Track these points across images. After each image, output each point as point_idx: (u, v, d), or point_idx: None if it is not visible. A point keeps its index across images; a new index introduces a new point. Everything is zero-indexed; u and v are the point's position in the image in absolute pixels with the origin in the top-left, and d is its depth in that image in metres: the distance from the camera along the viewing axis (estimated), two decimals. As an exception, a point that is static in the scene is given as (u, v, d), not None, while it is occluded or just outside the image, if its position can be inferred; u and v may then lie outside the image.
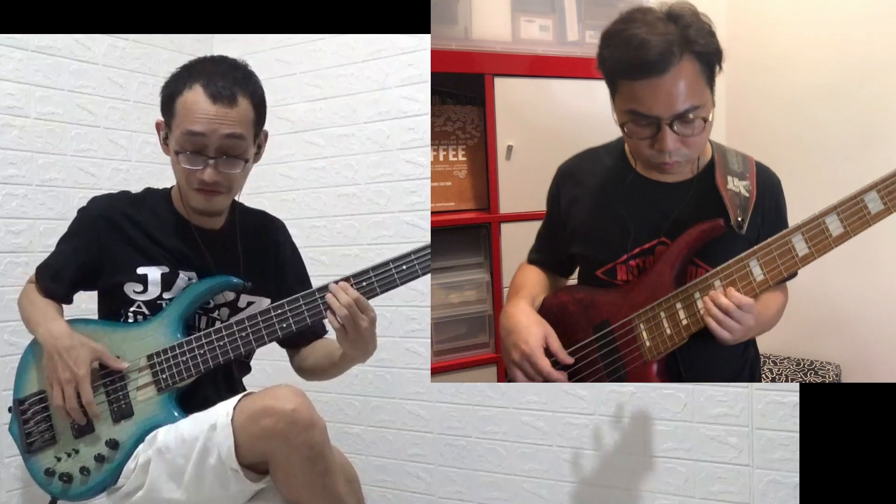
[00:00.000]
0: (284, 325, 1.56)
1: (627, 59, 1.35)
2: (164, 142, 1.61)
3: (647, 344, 1.49)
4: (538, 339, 1.50)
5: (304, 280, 1.79)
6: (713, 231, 1.45)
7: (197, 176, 1.55)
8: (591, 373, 1.55)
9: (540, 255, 1.74)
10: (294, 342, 1.76)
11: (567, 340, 1.54)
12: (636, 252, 1.52)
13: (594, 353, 1.54)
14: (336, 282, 1.53)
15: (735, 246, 1.45)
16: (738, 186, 1.48)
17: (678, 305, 1.46)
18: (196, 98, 1.53)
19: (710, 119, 1.40)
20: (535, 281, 1.70)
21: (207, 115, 1.52)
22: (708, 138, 1.48)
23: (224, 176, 1.56)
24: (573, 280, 1.77)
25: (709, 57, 1.38)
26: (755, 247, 1.41)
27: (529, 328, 1.52)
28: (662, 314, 1.47)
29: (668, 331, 1.47)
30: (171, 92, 1.56)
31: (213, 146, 1.53)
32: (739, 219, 1.44)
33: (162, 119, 1.61)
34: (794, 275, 1.53)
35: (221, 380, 1.65)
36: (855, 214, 1.33)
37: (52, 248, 1.69)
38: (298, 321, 1.56)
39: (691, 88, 1.36)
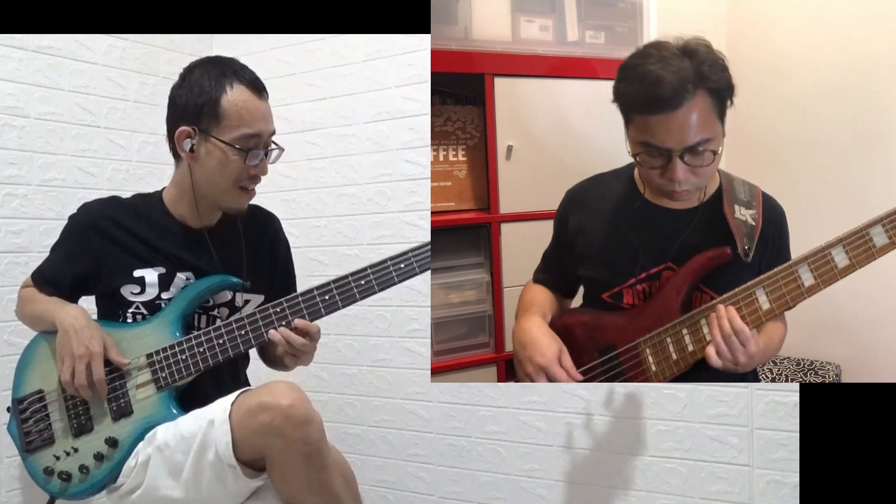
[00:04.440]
0: (284, 324, 1.56)
1: (642, 94, 1.38)
2: (191, 150, 1.58)
3: (654, 369, 1.51)
4: (554, 353, 1.52)
5: (290, 279, 1.81)
6: (720, 258, 1.48)
7: (251, 172, 1.59)
8: None
9: (547, 276, 1.77)
10: None
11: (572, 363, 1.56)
12: (643, 277, 1.55)
13: (600, 375, 1.56)
14: (303, 309, 1.56)
15: (739, 273, 1.48)
16: (744, 215, 1.50)
17: (684, 332, 1.48)
18: (245, 96, 1.56)
19: (719, 152, 1.43)
20: (543, 299, 1.72)
21: (261, 111, 1.58)
22: (716, 169, 1.51)
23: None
24: (576, 301, 1.79)
25: (721, 92, 1.41)
26: (762, 276, 1.43)
27: (545, 342, 1.54)
28: (669, 340, 1.50)
29: (675, 356, 1.49)
30: (211, 97, 1.55)
31: (264, 141, 1.59)
32: (746, 247, 1.47)
33: (188, 128, 1.57)
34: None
35: (223, 377, 1.65)
36: (861, 247, 1.36)
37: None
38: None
39: (703, 122, 1.38)
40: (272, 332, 1.55)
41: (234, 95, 1.55)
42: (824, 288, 1.39)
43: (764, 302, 1.42)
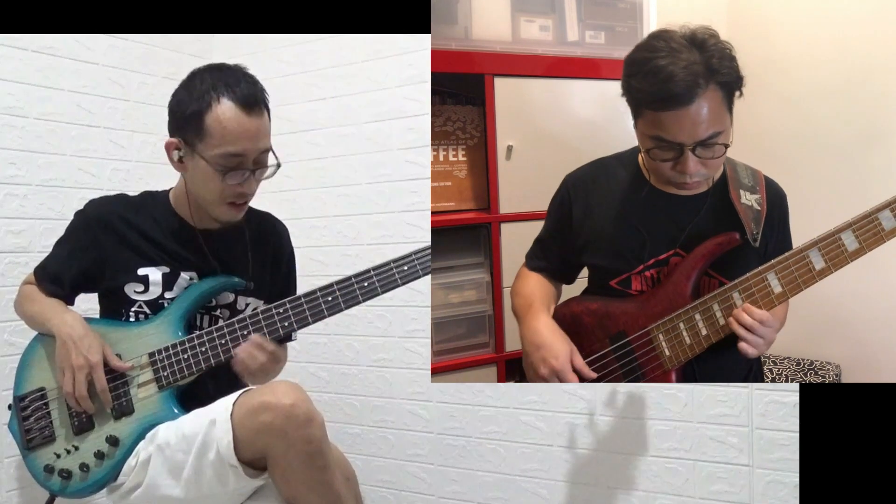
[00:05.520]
0: (286, 324, 1.56)
1: (655, 91, 1.37)
2: (180, 161, 1.58)
3: (667, 353, 1.53)
4: (567, 355, 1.53)
5: (290, 290, 1.79)
6: (729, 244, 1.50)
7: (236, 189, 1.55)
8: (610, 381, 1.58)
9: (544, 263, 1.75)
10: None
11: (582, 351, 1.57)
12: (651, 263, 1.56)
13: (613, 363, 1.57)
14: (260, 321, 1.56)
15: (746, 257, 1.50)
16: (750, 200, 1.52)
17: (697, 317, 1.50)
18: (230, 114, 1.50)
19: (729, 143, 1.43)
20: (544, 291, 1.71)
21: (247, 130, 1.51)
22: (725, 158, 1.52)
23: (256, 186, 1.59)
24: (569, 287, 1.78)
25: (731, 85, 1.41)
26: (773, 261, 1.45)
27: (557, 344, 1.54)
28: (682, 325, 1.52)
29: (688, 340, 1.51)
30: (196, 110, 1.51)
31: (251, 159, 1.54)
32: (755, 232, 1.49)
33: (175, 139, 1.56)
34: None
35: (224, 377, 1.64)
36: (870, 231, 1.39)
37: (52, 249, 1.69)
38: (300, 320, 1.56)
39: (714, 115, 1.39)
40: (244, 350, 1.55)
41: (220, 112, 1.50)
42: (835, 271, 1.41)
43: (776, 286, 1.45)
